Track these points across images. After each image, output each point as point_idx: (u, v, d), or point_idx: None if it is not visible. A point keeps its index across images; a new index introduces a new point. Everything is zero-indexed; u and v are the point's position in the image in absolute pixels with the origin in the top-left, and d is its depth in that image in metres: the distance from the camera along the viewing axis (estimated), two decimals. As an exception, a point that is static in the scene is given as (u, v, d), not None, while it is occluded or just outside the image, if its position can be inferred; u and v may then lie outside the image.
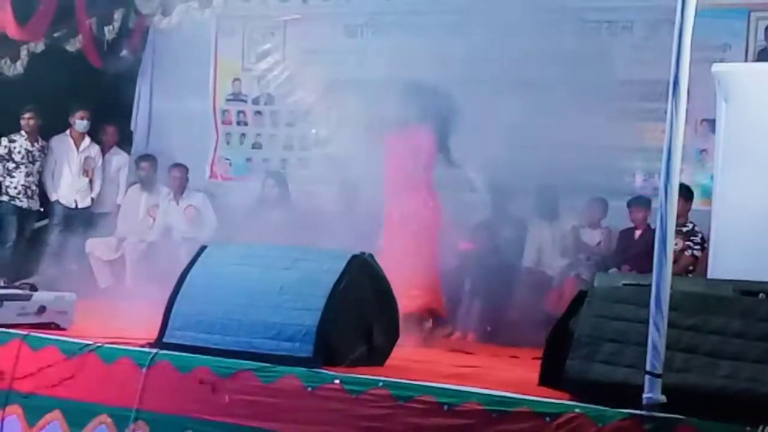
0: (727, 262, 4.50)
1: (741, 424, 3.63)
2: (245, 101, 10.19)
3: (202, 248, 5.30)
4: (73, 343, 5.11)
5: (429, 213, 7.16)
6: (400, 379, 4.37)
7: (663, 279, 3.76)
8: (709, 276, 4.66)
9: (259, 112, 10.12)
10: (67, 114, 9.36)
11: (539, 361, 4.37)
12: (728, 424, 3.66)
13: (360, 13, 8.97)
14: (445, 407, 4.08)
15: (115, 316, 6.85)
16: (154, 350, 4.85)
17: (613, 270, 7.46)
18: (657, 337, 3.74)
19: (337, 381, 4.36)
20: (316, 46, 9.20)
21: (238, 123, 10.18)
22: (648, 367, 3.75)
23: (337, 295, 4.70)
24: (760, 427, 3.56)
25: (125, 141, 10.12)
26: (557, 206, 8.35)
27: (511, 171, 7.93)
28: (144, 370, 4.76)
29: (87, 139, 9.50)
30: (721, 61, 6.49)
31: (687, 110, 3.76)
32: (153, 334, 4.98)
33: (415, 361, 5.20)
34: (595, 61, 8.20)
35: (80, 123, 9.36)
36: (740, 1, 8.16)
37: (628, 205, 7.99)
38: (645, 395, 3.76)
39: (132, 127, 10.40)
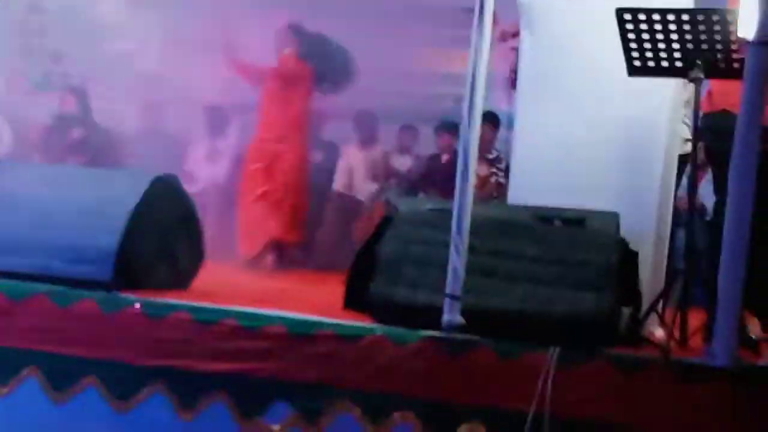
0: (527, 189, 4.62)
1: (535, 344, 3.76)
2: (46, 12, 9.73)
3: (-4, 166, 5.08)
4: None
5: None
6: (204, 303, 4.31)
7: (464, 204, 3.84)
8: (509, 201, 4.78)
9: (60, 24, 9.69)
10: None
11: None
12: (523, 344, 3.78)
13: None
14: (248, 330, 4.06)
15: None
16: (-58, 273, 4.60)
17: (420, 195, 7.58)
18: (457, 261, 3.83)
19: (137, 305, 4.25)
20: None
21: (37, 35, 9.73)
22: (448, 290, 3.84)
23: (139, 216, 4.56)
24: (551, 348, 3.70)
25: None
26: (375, 132, 8.39)
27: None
28: (-70, 294, 4.52)
29: None
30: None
31: (494, 38, 3.80)
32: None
33: (220, 285, 5.13)
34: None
35: None
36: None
37: (435, 131, 8.10)
38: (444, 317, 3.84)
39: None
